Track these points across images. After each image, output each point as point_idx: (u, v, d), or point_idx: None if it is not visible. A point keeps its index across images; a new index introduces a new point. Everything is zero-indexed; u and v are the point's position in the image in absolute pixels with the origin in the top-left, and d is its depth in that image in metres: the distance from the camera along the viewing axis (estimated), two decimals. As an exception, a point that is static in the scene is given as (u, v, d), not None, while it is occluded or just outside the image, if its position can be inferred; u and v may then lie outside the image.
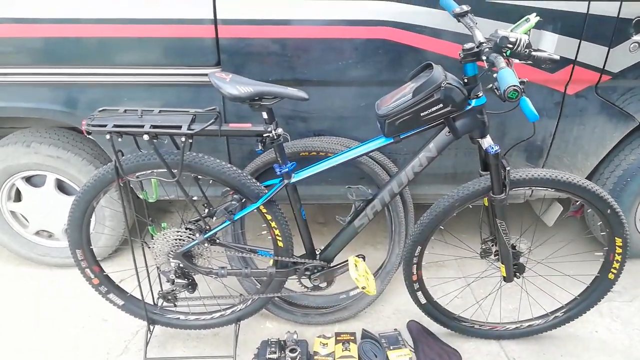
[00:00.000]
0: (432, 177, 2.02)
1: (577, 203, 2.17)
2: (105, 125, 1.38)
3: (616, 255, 1.70)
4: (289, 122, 1.88)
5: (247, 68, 1.72)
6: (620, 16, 1.69)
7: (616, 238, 1.67)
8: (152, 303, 1.84)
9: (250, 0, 1.65)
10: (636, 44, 1.74)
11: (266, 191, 1.57)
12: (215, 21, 1.64)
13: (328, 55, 1.73)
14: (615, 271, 1.73)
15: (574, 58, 1.75)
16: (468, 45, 1.36)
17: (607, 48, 1.74)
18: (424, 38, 1.69)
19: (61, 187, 2.10)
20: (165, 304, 1.78)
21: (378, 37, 1.69)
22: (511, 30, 1.32)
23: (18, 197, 2.14)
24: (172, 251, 1.62)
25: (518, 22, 1.35)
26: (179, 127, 1.38)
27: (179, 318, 1.85)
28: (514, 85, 1.11)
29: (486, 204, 1.63)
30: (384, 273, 2.01)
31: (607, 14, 1.69)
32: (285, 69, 1.74)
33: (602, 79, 1.80)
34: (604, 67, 1.77)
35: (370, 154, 1.87)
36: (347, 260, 1.66)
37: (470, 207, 1.62)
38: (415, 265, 1.72)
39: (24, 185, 2.08)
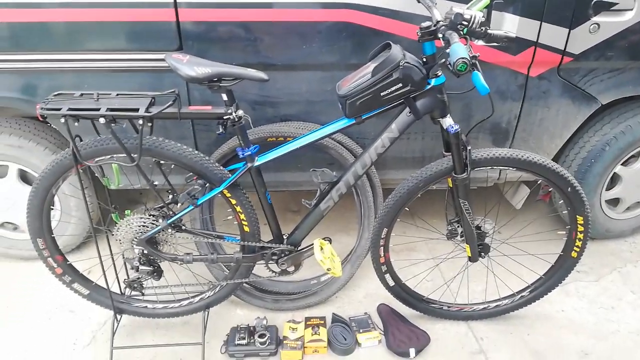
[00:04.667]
0: (400, 161, 2.03)
1: (547, 186, 2.21)
2: (59, 109, 1.35)
3: (578, 233, 1.73)
4: (256, 108, 1.86)
5: (211, 52, 1.70)
6: (579, -3, 1.71)
7: (577, 216, 1.69)
8: (119, 292, 1.81)
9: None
10: (596, 25, 1.76)
11: (230, 175, 1.56)
12: (175, 4, 1.62)
13: (292, 39, 1.71)
14: (578, 249, 1.76)
15: (535, 40, 1.77)
16: (425, 24, 1.37)
17: (568, 30, 1.76)
18: (386, 20, 1.69)
19: (24, 177, 2.06)
20: (132, 292, 1.76)
21: (340, 20, 1.68)
22: (467, 8, 1.33)
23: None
24: (135, 238, 1.60)
25: (473, 0, 1.36)
26: (137, 109, 1.37)
27: (146, 307, 1.84)
28: (463, 58, 1.12)
29: (450, 185, 1.65)
30: (354, 257, 2.02)
31: (566, -4, 1.71)
32: (250, 53, 1.73)
33: (564, 61, 1.82)
34: (565, 48, 1.79)
35: (338, 138, 1.89)
36: (312, 244, 1.66)
37: (434, 188, 1.63)
38: (382, 248, 1.73)
39: (-15, 177, 2.03)
